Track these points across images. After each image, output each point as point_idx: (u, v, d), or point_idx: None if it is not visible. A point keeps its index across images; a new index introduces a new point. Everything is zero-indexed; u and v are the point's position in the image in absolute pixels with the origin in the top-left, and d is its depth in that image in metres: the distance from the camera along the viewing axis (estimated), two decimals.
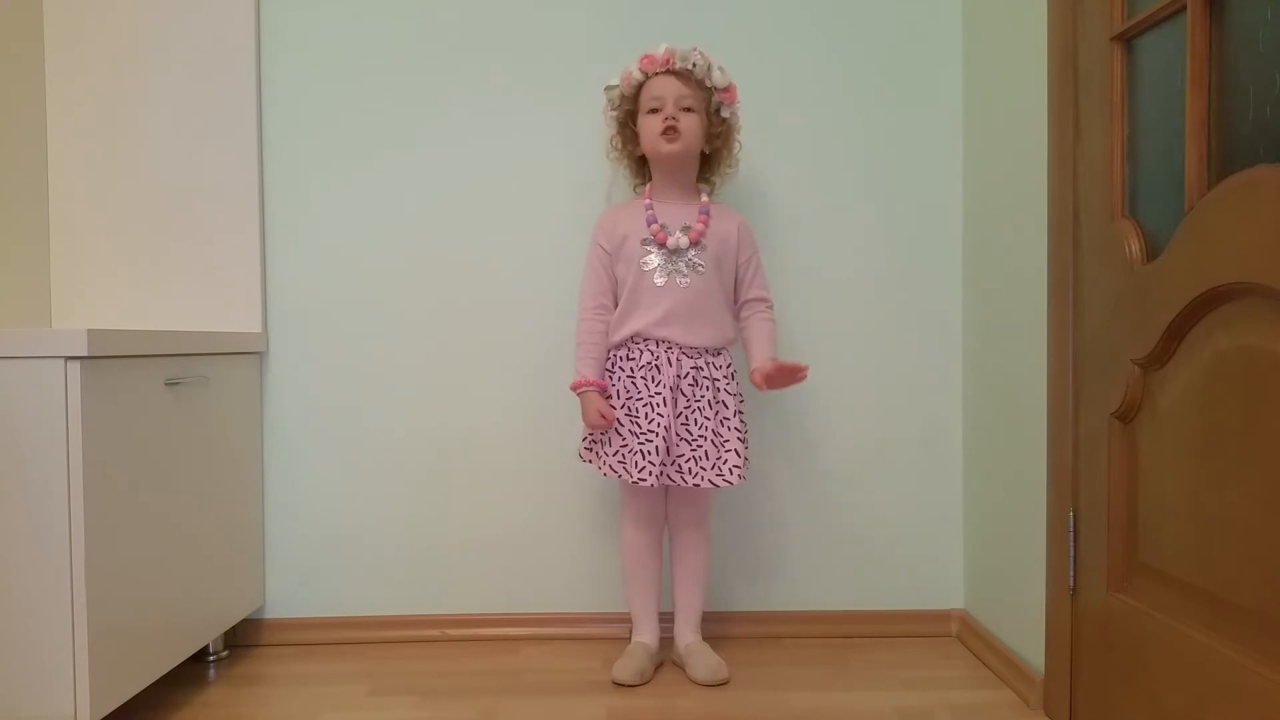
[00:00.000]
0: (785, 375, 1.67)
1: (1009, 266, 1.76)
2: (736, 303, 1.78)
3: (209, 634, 1.76)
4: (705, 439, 1.68)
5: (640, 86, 1.73)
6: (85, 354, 1.33)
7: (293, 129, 1.98)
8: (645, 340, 1.72)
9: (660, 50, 1.70)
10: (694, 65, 1.69)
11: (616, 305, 1.76)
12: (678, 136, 1.69)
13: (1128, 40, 1.38)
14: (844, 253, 2.02)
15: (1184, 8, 1.22)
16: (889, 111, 2.01)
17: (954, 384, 2.03)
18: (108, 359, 1.40)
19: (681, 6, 1.99)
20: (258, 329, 1.95)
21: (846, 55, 2.01)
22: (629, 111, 1.76)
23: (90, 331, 1.33)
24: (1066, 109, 1.50)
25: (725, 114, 1.75)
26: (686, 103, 1.70)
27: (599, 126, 1.84)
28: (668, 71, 1.70)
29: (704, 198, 1.78)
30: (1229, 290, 1.13)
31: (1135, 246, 1.34)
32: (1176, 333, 1.24)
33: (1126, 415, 1.36)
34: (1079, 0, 1.48)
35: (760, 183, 2.00)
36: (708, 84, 1.71)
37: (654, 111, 1.71)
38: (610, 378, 1.74)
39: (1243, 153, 1.14)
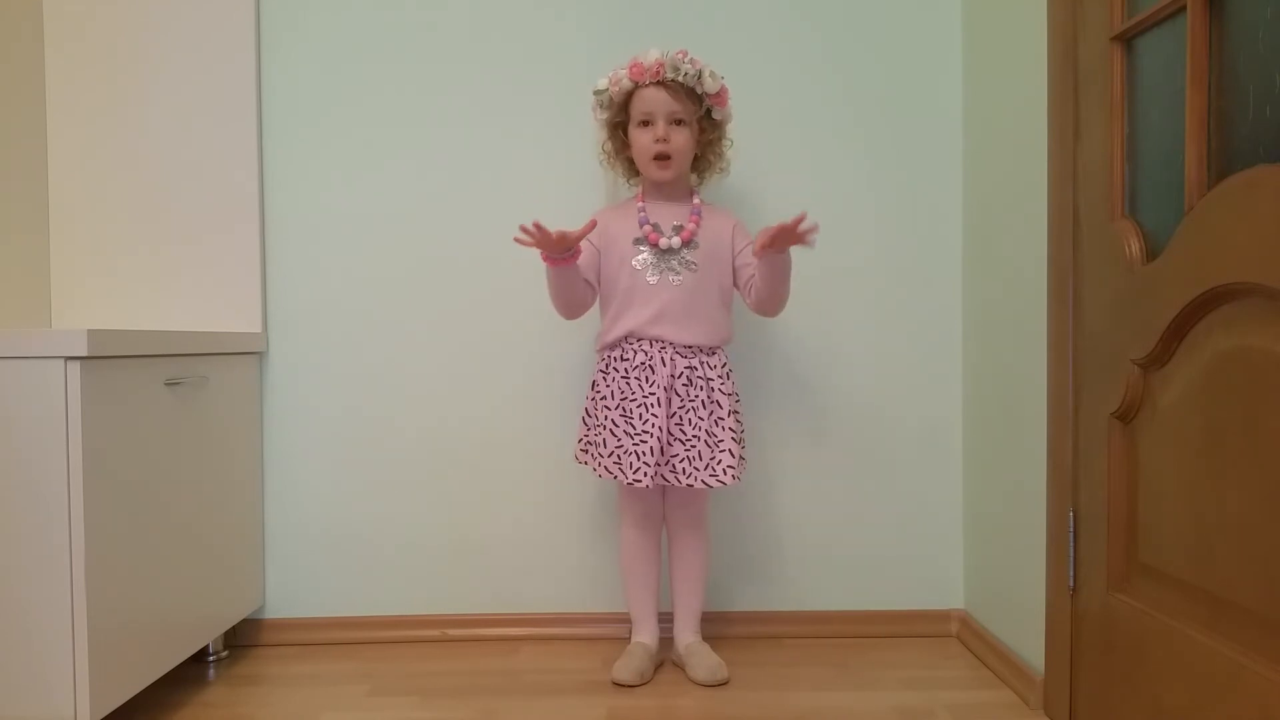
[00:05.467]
0: (786, 235, 1.55)
1: (1009, 266, 1.76)
2: (741, 284, 1.76)
3: (209, 634, 1.76)
4: (699, 439, 1.69)
5: (629, 94, 1.71)
6: (85, 354, 1.33)
7: (293, 129, 1.98)
8: (639, 340, 1.71)
9: (650, 59, 1.67)
10: (684, 76, 1.67)
11: (595, 287, 1.75)
12: (670, 164, 1.70)
13: (1128, 40, 1.38)
14: (844, 253, 2.02)
15: (1184, 8, 1.22)
16: (889, 112, 2.02)
17: (954, 384, 2.03)
18: (108, 359, 1.40)
19: (682, 7, 1.99)
20: (257, 329, 1.95)
21: (846, 56, 2.01)
22: (619, 120, 1.75)
23: (90, 331, 1.33)
24: (1066, 109, 1.50)
25: (716, 116, 1.75)
26: (677, 116, 1.69)
27: (594, 123, 1.83)
28: (658, 82, 1.68)
29: (696, 199, 1.78)
30: (1229, 290, 1.13)
31: (1135, 246, 1.34)
32: (1177, 333, 1.24)
33: (1126, 415, 1.36)
34: (1079, 0, 1.48)
35: (760, 183, 2.00)
36: (699, 91, 1.70)
37: (645, 125, 1.71)
38: (604, 379, 1.74)
39: (1243, 153, 1.14)
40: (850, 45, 2.01)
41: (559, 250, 1.61)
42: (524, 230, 1.57)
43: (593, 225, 1.63)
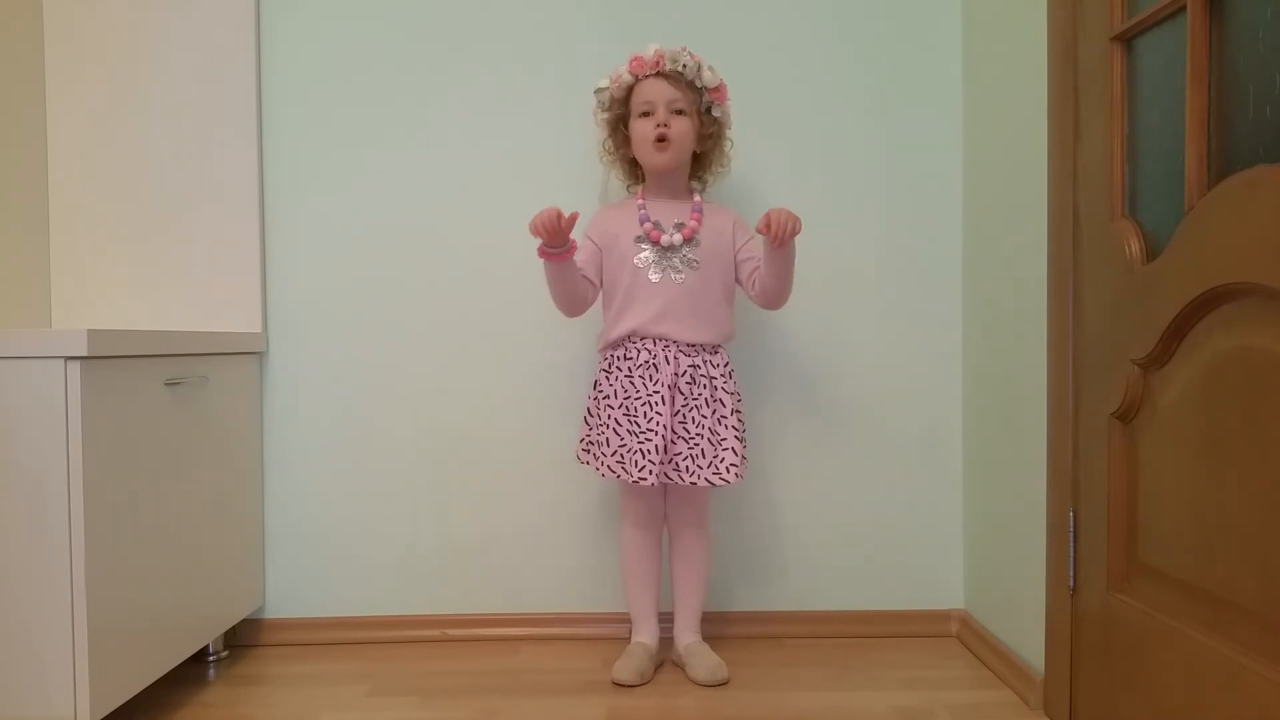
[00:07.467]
0: (785, 221, 1.57)
1: (1009, 266, 1.76)
2: (744, 278, 1.76)
3: (209, 634, 1.76)
4: (703, 437, 1.69)
5: (630, 89, 1.73)
6: (85, 354, 1.33)
7: (293, 129, 1.98)
8: (642, 339, 1.71)
9: (649, 52, 1.70)
10: (684, 67, 1.69)
11: (596, 284, 1.76)
12: (668, 147, 1.70)
13: (1128, 40, 1.38)
14: (844, 253, 2.02)
15: (1184, 8, 1.22)
16: (889, 112, 2.01)
17: (954, 384, 2.03)
18: (108, 359, 1.40)
19: (683, 8, 1.99)
20: (258, 329, 1.95)
21: (846, 56, 2.01)
22: (620, 115, 1.77)
23: (90, 331, 1.33)
24: (1066, 109, 1.50)
25: (716, 113, 1.76)
26: (677, 106, 1.70)
27: (596, 126, 1.84)
28: (658, 74, 1.69)
29: (696, 197, 1.78)
30: (1229, 290, 1.13)
31: (1135, 246, 1.34)
32: (1177, 333, 1.24)
33: (1126, 415, 1.36)
34: (1079, 0, 1.48)
35: (759, 184, 2.00)
36: (698, 84, 1.71)
37: (645, 115, 1.71)
38: (607, 378, 1.74)
39: (1243, 153, 1.14)
40: (850, 45, 2.01)
41: (558, 240, 1.60)
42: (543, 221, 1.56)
43: (575, 218, 1.60)
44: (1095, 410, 1.43)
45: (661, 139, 1.69)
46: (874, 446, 2.03)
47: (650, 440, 1.66)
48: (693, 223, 1.73)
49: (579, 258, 1.73)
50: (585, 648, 1.93)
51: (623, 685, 1.72)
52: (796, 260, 1.68)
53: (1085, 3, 1.47)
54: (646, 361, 1.70)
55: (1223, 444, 1.14)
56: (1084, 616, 1.47)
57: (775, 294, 1.72)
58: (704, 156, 1.80)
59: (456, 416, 2.01)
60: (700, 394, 1.70)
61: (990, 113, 1.86)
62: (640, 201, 1.76)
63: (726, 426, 1.70)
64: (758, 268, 1.72)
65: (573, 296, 1.72)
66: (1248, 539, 1.09)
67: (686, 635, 1.81)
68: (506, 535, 2.02)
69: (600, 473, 1.73)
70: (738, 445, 1.69)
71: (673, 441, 1.68)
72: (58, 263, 1.93)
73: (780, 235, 1.57)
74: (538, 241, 1.63)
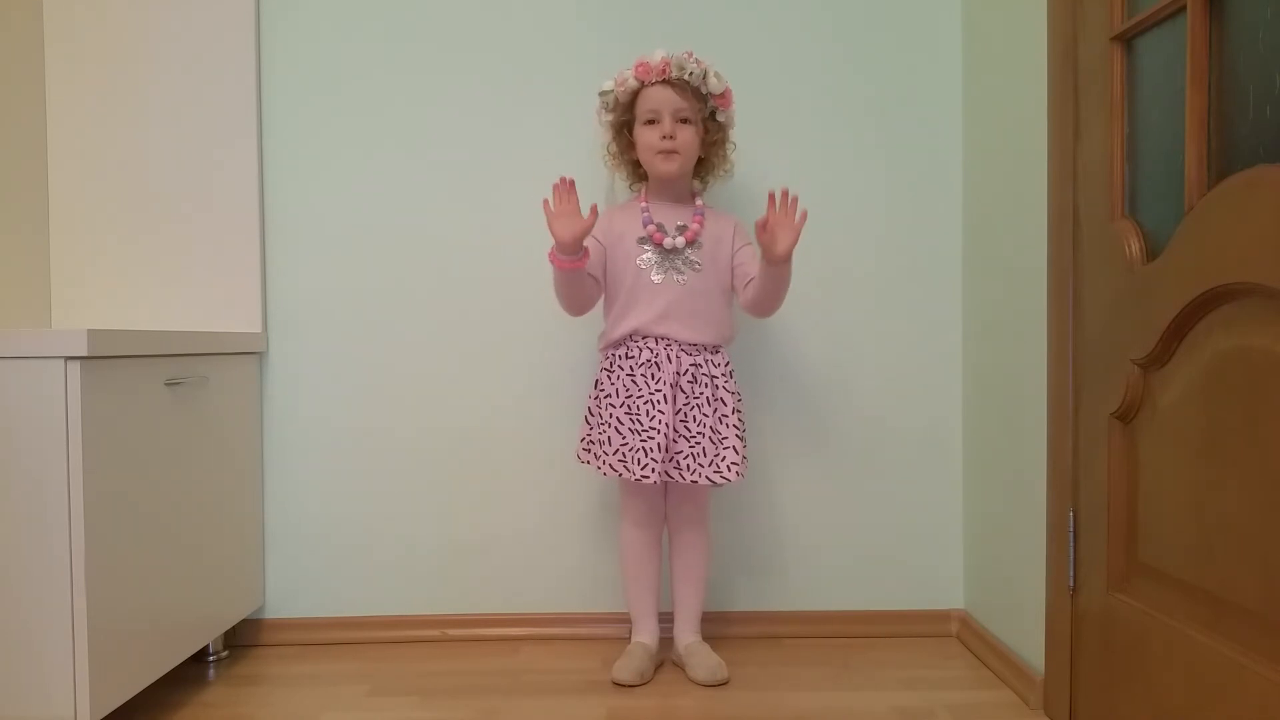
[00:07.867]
0: (786, 218, 1.58)
1: (1009, 266, 1.76)
2: (736, 283, 1.76)
3: (209, 634, 1.76)
4: (704, 436, 1.69)
5: (635, 93, 1.73)
6: (85, 354, 1.33)
7: (293, 128, 1.98)
8: (644, 338, 1.72)
9: (656, 58, 1.69)
10: (690, 74, 1.69)
11: (600, 286, 1.75)
12: (675, 158, 1.70)
13: (1128, 40, 1.38)
14: (844, 253, 2.02)
15: (1184, 8, 1.22)
16: (889, 112, 2.01)
17: (954, 384, 2.03)
18: (108, 359, 1.40)
19: (684, 9, 1.99)
20: (258, 329, 1.95)
21: (845, 57, 2.01)
22: (625, 120, 1.76)
23: (90, 331, 1.33)
24: (1066, 109, 1.50)
25: (720, 119, 1.76)
26: (683, 115, 1.70)
27: (599, 125, 1.84)
28: (664, 81, 1.69)
29: (699, 201, 1.79)
30: (1229, 290, 1.13)
31: (1135, 246, 1.34)
32: (1177, 333, 1.24)
33: (1126, 415, 1.36)
34: (1079, 0, 1.48)
35: (759, 184, 1.99)
36: (704, 91, 1.71)
37: (651, 123, 1.71)
38: (609, 376, 1.74)
39: (1243, 153, 1.14)
40: (850, 46, 2.01)
41: (571, 241, 1.59)
42: (557, 188, 1.60)
43: (594, 215, 1.60)
44: (1095, 410, 1.43)
45: (666, 152, 1.69)
46: (874, 446, 2.04)
47: (653, 439, 1.66)
48: (695, 226, 1.73)
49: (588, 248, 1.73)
50: (585, 648, 1.93)
51: (623, 685, 1.72)
52: (799, 260, 1.67)
53: (1085, 3, 1.47)
54: (648, 360, 1.70)
55: (1223, 444, 1.14)
56: (1084, 616, 1.47)
57: (763, 307, 1.73)
58: (706, 160, 1.80)
59: (456, 417, 2.01)
60: (702, 393, 1.70)
61: (990, 113, 1.86)
62: (643, 204, 1.76)
63: (728, 425, 1.70)
64: (752, 278, 1.72)
65: (580, 299, 1.73)
66: (1248, 539, 1.09)
67: (686, 635, 1.81)
68: (506, 535, 2.02)
69: (601, 472, 1.73)
70: (739, 444, 1.70)
71: (674, 440, 1.68)
72: (58, 263, 1.93)
73: (785, 206, 1.58)
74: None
